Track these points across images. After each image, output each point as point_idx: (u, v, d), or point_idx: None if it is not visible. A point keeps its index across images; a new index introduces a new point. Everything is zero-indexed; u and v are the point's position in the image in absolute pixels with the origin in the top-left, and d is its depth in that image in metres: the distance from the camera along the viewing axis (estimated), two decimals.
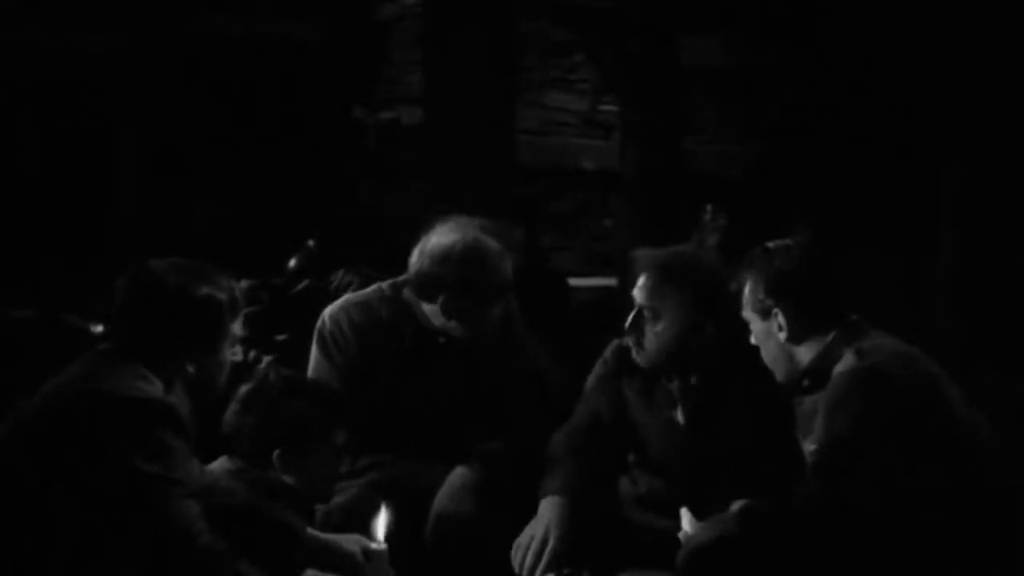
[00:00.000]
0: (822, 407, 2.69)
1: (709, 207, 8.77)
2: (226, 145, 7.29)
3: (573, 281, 6.95)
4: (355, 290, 3.92)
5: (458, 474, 3.21)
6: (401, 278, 3.39)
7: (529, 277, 5.81)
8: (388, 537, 2.78)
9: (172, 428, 2.53)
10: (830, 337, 2.82)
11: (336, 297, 3.86)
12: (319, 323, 3.41)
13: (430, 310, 3.28)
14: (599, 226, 8.76)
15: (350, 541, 2.87)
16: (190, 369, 2.71)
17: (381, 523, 2.78)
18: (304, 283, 4.80)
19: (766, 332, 2.88)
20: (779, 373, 2.90)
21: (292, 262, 5.04)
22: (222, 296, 2.74)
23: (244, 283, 4.60)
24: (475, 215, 3.49)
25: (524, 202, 6.97)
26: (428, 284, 3.25)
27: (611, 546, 3.11)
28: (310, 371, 3.36)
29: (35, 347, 4.64)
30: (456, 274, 3.21)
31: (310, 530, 2.90)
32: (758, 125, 8.57)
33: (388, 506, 2.82)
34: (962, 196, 7.72)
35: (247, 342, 4.38)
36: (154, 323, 2.66)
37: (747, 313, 2.93)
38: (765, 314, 2.87)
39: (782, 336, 2.85)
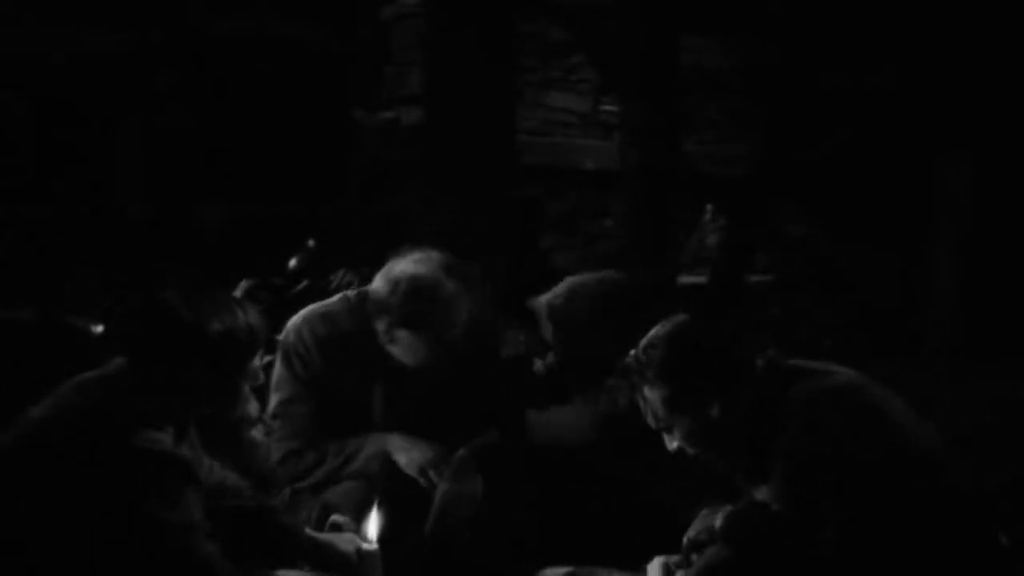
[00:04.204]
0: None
1: (709, 207, 8.79)
2: (226, 145, 7.30)
3: None
4: (355, 290, 3.94)
5: (457, 458, 3.25)
6: (367, 288, 3.42)
7: (529, 277, 5.81)
8: (380, 538, 2.79)
9: (185, 479, 2.52)
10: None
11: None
12: (282, 335, 3.44)
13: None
14: (599, 226, 8.76)
15: (344, 541, 2.89)
16: (206, 410, 2.67)
17: (373, 524, 2.79)
18: (304, 283, 4.81)
19: (689, 431, 2.77)
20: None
21: (292, 262, 5.05)
22: (241, 333, 2.63)
23: (244, 283, 4.62)
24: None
25: (527, 202, 6.97)
26: (375, 306, 3.29)
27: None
28: (273, 383, 3.38)
29: (36, 348, 4.65)
30: (399, 305, 3.24)
31: (307, 530, 2.92)
32: (758, 125, 8.57)
33: (380, 507, 2.84)
34: (963, 196, 7.73)
35: None
36: (169, 364, 2.58)
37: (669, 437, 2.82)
38: (669, 431, 2.78)
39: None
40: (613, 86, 8.19)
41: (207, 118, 7.31)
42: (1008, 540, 2.61)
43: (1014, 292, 7.32)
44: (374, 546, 2.77)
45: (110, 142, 7.34)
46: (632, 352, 2.81)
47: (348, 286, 4.46)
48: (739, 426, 2.70)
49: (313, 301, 3.75)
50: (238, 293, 4.48)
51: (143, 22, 7.23)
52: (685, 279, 7.45)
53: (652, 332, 2.80)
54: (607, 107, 8.67)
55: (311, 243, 5.16)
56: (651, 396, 2.76)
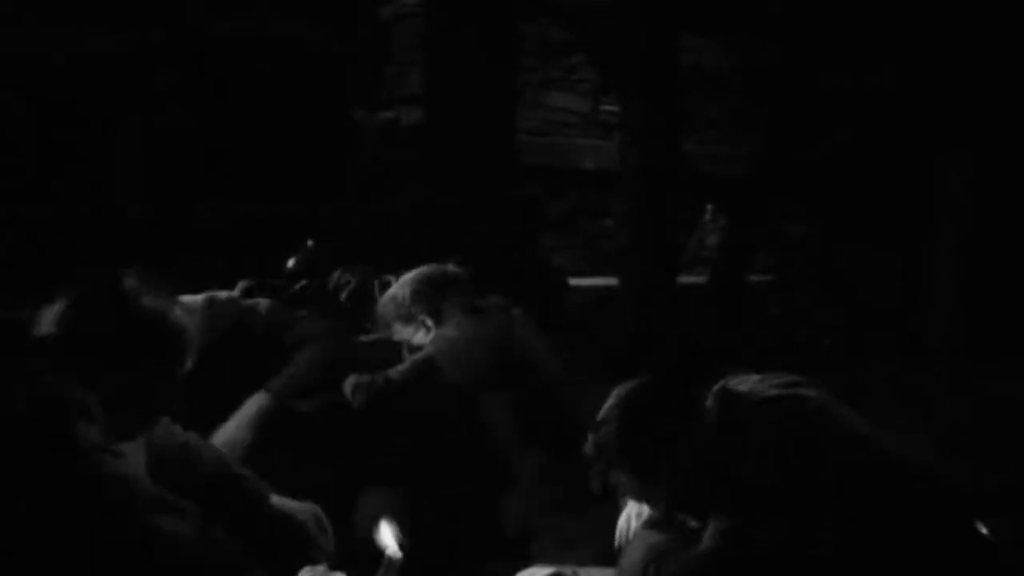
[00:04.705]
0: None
1: (709, 207, 8.80)
2: (226, 145, 7.30)
3: (573, 281, 6.96)
4: (352, 290, 3.96)
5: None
6: None
7: (529, 275, 5.82)
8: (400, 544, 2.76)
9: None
10: None
11: (334, 297, 3.89)
12: None
13: None
14: (599, 226, 8.76)
15: (304, 512, 2.87)
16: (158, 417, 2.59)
17: (388, 533, 2.75)
18: (302, 283, 4.81)
19: (669, 497, 2.74)
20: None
21: (291, 262, 5.06)
22: (188, 336, 2.52)
23: (243, 283, 4.61)
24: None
25: (527, 202, 6.97)
26: None
27: None
28: None
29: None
30: None
31: (273, 497, 2.89)
32: (758, 125, 8.58)
33: (390, 518, 2.80)
34: (963, 196, 7.72)
35: None
36: (119, 361, 2.46)
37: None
38: (651, 502, 2.77)
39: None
40: (613, 86, 8.19)
41: (207, 118, 7.31)
42: (994, 535, 2.61)
43: (1014, 292, 7.32)
44: (398, 554, 2.72)
45: (110, 142, 7.34)
46: (589, 436, 2.75)
47: (345, 286, 4.47)
48: (714, 472, 2.65)
49: (312, 301, 3.75)
50: (236, 293, 4.47)
51: (143, 22, 7.23)
52: (685, 279, 7.45)
53: (603, 408, 2.75)
54: (607, 107, 8.68)
55: (310, 243, 5.17)
56: (620, 475, 2.72)
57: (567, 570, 2.93)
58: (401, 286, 3.68)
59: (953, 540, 2.56)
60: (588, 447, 2.74)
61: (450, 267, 3.75)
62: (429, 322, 3.61)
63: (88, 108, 7.22)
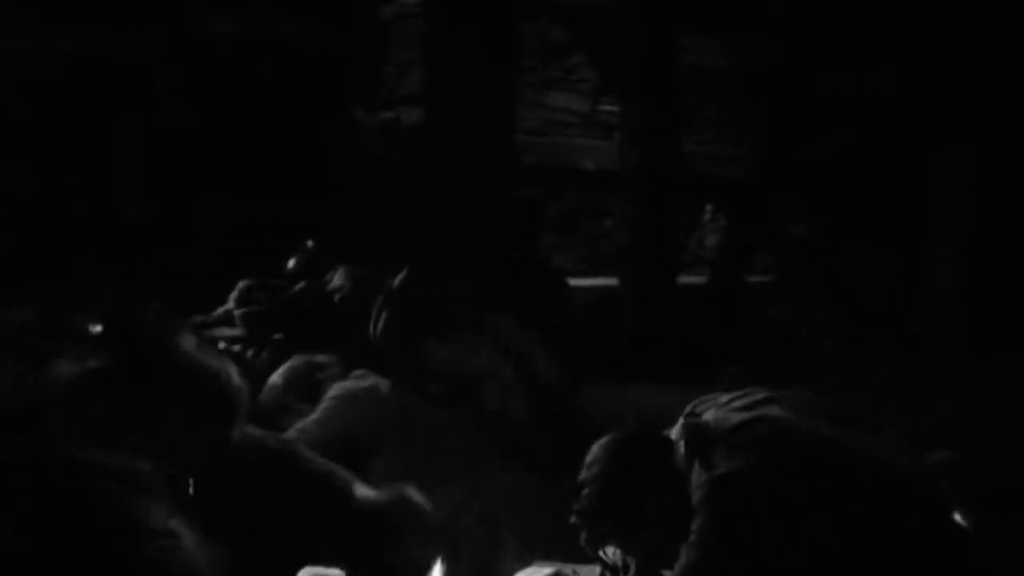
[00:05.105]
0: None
1: (709, 207, 8.81)
2: (226, 145, 7.30)
3: (573, 281, 6.95)
4: (349, 289, 3.96)
5: None
6: None
7: (529, 275, 5.81)
8: None
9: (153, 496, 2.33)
10: None
11: (332, 297, 3.89)
12: None
13: None
14: (599, 226, 8.76)
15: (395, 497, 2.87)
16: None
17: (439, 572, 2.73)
18: (301, 283, 4.81)
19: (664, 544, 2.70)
20: None
21: (291, 263, 5.06)
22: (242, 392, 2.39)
23: (242, 283, 4.62)
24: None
25: (527, 202, 6.97)
26: None
27: None
28: None
29: (36, 348, 4.64)
30: None
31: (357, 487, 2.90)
32: (758, 125, 8.58)
33: (443, 559, 2.78)
34: (963, 196, 7.72)
35: (245, 341, 4.40)
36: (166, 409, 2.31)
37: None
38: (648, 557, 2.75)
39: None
40: (613, 86, 8.20)
41: (207, 118, 7.32)
42: (993, 533, 2.61)
43: (1014, 292, 7.31)
44: None
45: (110, 142, 7.35)
46: (574, 507, 2.73)
47: (339, 288, 4.48)
48: (689, 511, 2.63)
49: (311, 302, 3.75)
50: (236, 293, 4.48)
51: (143, 22, 7.24)
52: (685, 279, 7.45)
53: (582, 472, 2.72)
54: (607, 107, 8.68)
55: (310, 243, 5.17)
56: (607, 535, 2.72)
57: (567, 569, 2.92)
58: (274, 378, 3.72)
59: (928, 535, 2.57)
60: (573, 517, 2.73)
61: (319, 357, 3.78)
62: (306, 407, 3.63)
63: (88, 108, 7.22)
